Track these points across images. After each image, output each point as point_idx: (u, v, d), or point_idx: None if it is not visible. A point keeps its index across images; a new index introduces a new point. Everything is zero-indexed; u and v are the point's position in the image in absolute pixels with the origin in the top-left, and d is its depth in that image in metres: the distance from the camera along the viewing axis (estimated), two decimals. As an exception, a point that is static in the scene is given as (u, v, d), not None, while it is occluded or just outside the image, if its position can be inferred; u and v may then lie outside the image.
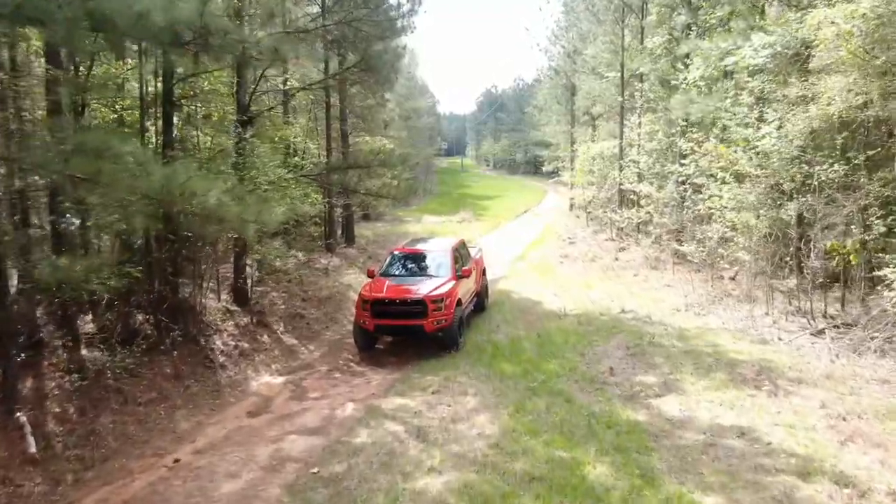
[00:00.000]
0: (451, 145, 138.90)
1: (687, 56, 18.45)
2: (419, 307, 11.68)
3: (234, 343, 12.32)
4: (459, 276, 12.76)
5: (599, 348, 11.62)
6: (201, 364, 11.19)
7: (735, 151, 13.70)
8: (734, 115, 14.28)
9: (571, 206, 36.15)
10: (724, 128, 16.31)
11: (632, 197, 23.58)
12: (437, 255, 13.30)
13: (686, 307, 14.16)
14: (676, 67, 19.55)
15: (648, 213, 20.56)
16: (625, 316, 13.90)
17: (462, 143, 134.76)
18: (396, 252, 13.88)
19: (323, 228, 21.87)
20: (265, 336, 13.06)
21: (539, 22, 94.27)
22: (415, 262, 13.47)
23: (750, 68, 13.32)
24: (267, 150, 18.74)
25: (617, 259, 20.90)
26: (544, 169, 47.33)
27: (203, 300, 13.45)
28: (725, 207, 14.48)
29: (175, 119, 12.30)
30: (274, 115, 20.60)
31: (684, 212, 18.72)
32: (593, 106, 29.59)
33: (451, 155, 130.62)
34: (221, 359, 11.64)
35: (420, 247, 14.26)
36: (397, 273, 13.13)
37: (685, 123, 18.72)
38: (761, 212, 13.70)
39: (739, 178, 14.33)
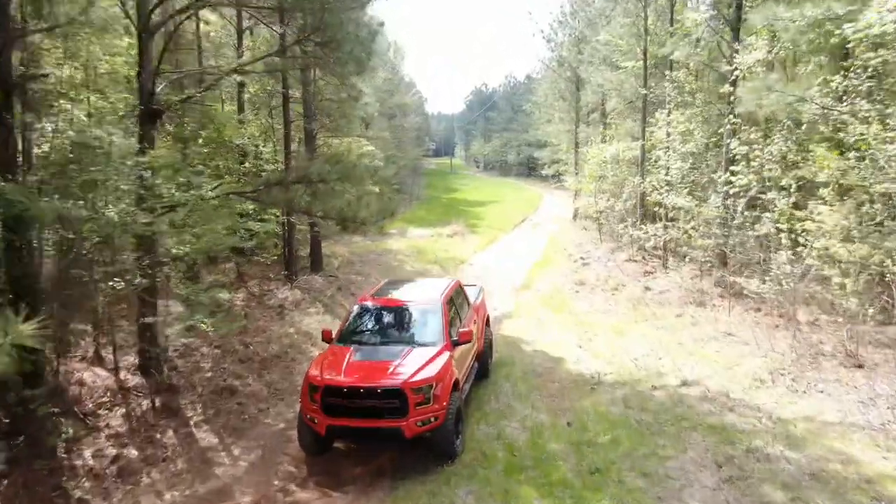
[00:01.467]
0: (439, 146, 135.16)
1: (736, 36, 14.54)
2: (395, 400, 7.58)
3: (115, 451, 8.14)
4: (455, 342, 8.67)
5: (672, 465, 7.56)
6: (47, 501, 7.04)
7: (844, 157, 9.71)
8: (833, 107, 10.29)
9: (576, 215, 32.17)
10: (799, 124, 12.41)
11: (658, 210, 19.62)
12: (424, 311, 9.17)
13: (772, 376, 10.13)
14: (724, 51, 15.61)
15: (685, 231, 16.57)
16: (689, 392, 9.85)
17: (451, 143, 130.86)
18: (365, 304, 9.66)
19: (282, 251, 17.68)
20: (170, 432, 8.88)
21: (542, 4, 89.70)
22: (391, 322, 9.31)
23: (866, 39, 9.34)
24: (200, 155, 14.63)
25: (648, 289, 16.87)
26: (544, 172, 43.53)
27: (80, 374, 9.31)
28: (820, 232, 10.53)
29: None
30: (216, 111, 16.43)
31: (735, 233, 14.74)
32: (605, 101, 25.65)
33: (440, 156, 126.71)
34: (87, 484, 7.48)
35: (399, 295, 10.07)
36: (365, 339, 8.96)
37: (737, 120, 14.77)
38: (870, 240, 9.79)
39: (842, 192, 10.40)
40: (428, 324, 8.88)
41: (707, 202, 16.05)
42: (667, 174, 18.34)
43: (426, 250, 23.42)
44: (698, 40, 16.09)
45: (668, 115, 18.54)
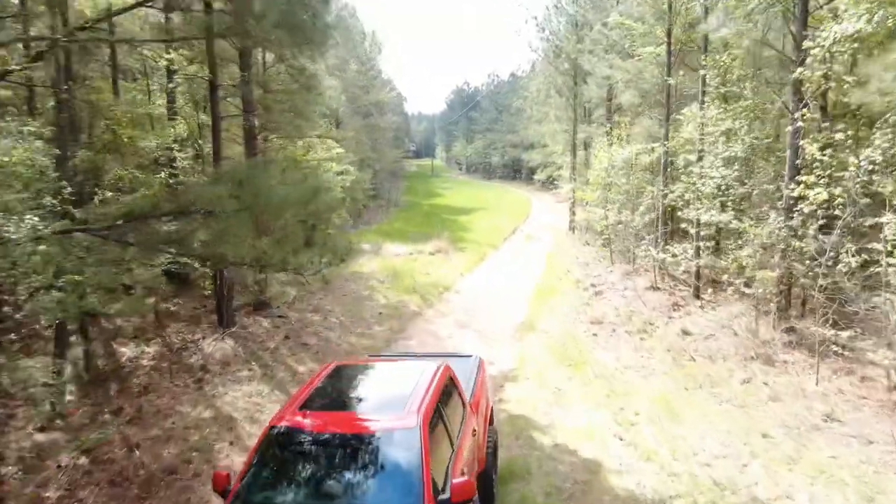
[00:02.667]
0: (419, 147, 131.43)
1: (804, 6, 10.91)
2: None
3: None
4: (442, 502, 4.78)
5: None
6: None
7: None
8: None
9: (573, 226, 28.48)
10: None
11: (686, 227, 15.96)
12: (388, 442, 5.19)
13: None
14: (790, 26, 11.95)
15: (735, 259, 12.88)
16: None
17: (432, 144, 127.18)
18: (282, 431, 5.34)
19: (214, 285, 13.62)
20: None
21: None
22: (327, 468, 5.21)
23: None
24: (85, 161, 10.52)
25: (686, 333, 13.14)
26: (536, 177, 39.96)
27: None
28: None
29: None
30: (103, 101, 12.33)
31: (823, 264, 11.11)
32: (613, 96, 22.00)
33: (420, 157, 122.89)
34: None
35: (348, 405, 6.04)
36: (285, 497, 4.98)
37: (814, 115, 11.14)
38: None
39: None
40: (394, 472, 4.97)
41: (763, 221, 12.38)
42: (701, 183, 14.67)
43: (404, 273, 19.47)
44: (751, 13, 12.40)
45: (703, 111, 14.87)
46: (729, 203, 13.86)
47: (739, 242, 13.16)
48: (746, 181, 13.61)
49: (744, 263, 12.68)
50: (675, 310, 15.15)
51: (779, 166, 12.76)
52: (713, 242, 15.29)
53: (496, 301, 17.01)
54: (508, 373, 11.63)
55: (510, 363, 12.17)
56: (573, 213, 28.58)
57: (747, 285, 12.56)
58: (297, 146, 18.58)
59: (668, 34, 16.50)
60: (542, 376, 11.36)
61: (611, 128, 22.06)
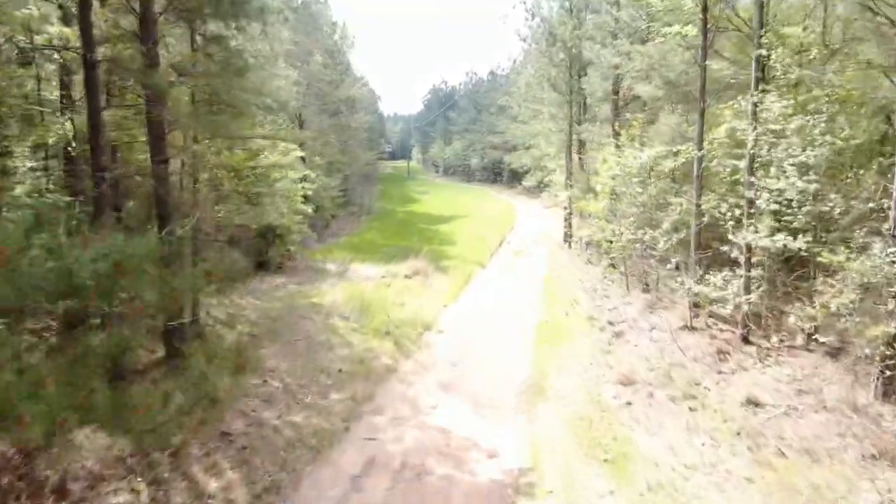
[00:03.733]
0: (396, 148, 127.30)
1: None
2: None
3: None
4: None
5: None
6: None
7: None
8: None
9: (569, 239, 25.05)
10: None
11: (732, 251, 12.54)
12: None
13: None
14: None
15: (823, 305, 9.45)
16: None
17: (408, 146, 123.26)
18: None
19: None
20: None
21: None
22: None
23: None
24: None
25: (755, 405, 9.66)
26: (524, 183, 36.36)
27: None
28: None
29: None
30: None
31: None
32: (622, 90, 18.60)
33: (396, 159, 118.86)
34: None
35: None
36: None
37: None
38: None
39: None
40: None
41: (868, 252, 9.00)
42: (759, 196, 11.27)
43: (374, 305, 15.74)
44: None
45: (759, 102, 11.46)
46: (797, 224, 10.47)
47: (821, 278, 9.77)
48: (828, 195, 10.20)
49: (833, 308, 9.30)
50: (722, 360, 11.71)
51: (882, 177, 9.38)
52: (771, 273, 11.89)
53: (490, 346, 13.40)
54: (519, 478, 8.01)
55: (519, 456, 8.56)
56: (569, 225, 25.15)
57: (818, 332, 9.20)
58: (240, 148, 14.79)
59: (704, 9, 13.10)
60: (571, 486, 7.76)
61: (619, 127, 18.62)
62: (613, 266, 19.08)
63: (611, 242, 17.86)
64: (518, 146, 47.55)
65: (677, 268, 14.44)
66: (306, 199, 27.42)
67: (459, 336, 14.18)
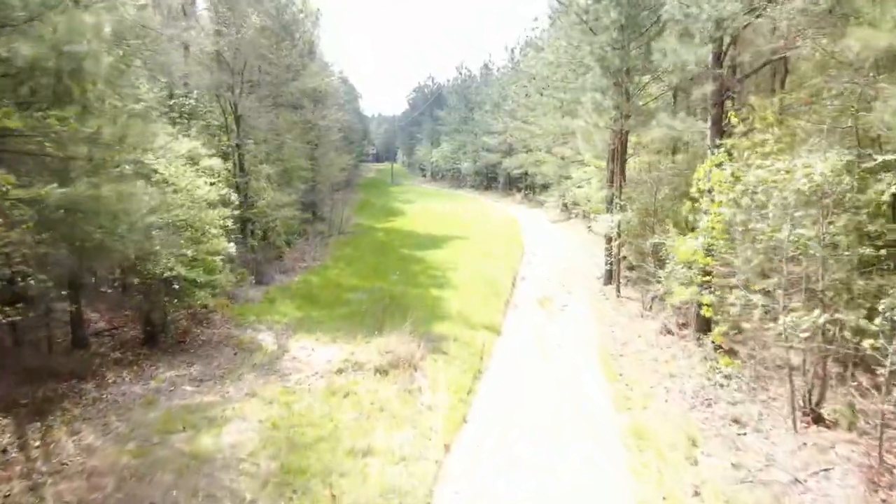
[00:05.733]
0: (380, 150, 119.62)
1: None
2: None
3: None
4: None
5: None
6: None
7: None
8: None
9: (615, 281, 17.55)
10: None
11: None
12: None
13: None
14: None
15: None
16: None
17: (393, 148, 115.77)
18: None
19: None
20: None
21: None
22: None
23: None
24: None
25: None
26: (542, 198, 28.91)
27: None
28: None
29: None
30: None
31: None
32: (736, 58, 11.18)
33: (381, 161, 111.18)
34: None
35: None
36: None
37: None
38: None
39: None
40: None
41: None
42: None
43: (311, 458, 8.10)
44: None
45: None
46: None
47: None
48: None
49: None
50: None
51: None
52: None
53: None
54: None
55: None
56: (616, 261, 17.63)
57: None
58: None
59: None
60: None
61: (734, 118, 11.13)
62: (726, 351, 11.64)
63: (713, 307, 10.49)
64: (526, 147, 40.17)
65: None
66: (243, 226, 19.73)
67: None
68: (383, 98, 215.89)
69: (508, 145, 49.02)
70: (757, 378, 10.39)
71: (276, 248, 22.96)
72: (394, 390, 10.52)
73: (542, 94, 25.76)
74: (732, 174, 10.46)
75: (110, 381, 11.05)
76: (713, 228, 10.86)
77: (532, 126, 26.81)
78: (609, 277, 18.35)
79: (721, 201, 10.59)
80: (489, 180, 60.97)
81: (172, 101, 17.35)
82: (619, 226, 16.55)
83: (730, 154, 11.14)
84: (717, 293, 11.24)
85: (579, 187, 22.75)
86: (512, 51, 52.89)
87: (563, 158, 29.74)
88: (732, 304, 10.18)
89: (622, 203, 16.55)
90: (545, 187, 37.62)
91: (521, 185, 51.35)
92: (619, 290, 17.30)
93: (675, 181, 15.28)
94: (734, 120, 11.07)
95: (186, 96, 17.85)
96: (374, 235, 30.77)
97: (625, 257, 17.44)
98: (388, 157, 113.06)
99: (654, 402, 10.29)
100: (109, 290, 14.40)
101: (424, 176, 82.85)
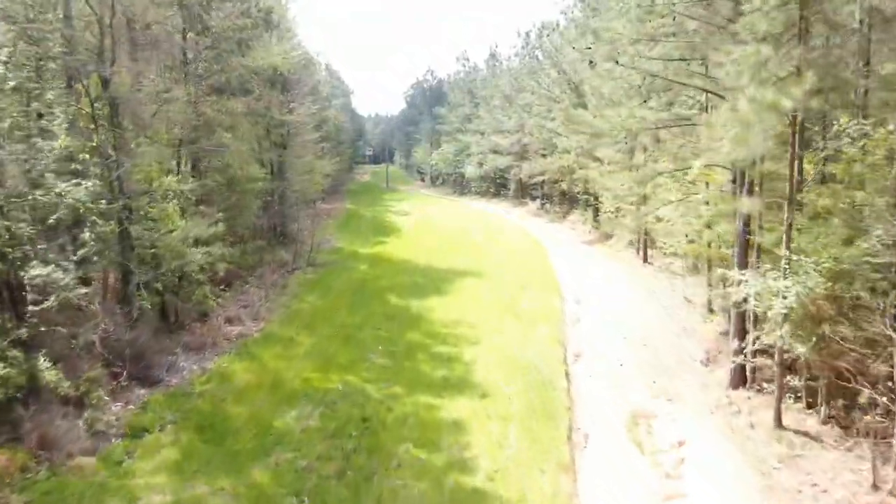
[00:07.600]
0: (376, 151, 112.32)
1: None
2: None
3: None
4: None
5: None
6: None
7: None
8: None
9: (743, 378, 9.50)
10: None
11: None
12: None
13: None
14: None
15: None
16: None
17: (390, 148, 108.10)
18: None
19: None
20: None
21: None
22: None
23: None
24: None
25: None
26: (594, 224, 20.86)
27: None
28: None
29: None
30: None
31: None
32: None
33: (379, 162, 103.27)
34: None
35: None
36: None
37: None
38: None
39: None
40: None
41: None
42: None
43: None
44: None
45: None
46: None
47: None
48: None
49: None
50: None
51: None
52: None
53: None
54: None
55: None
56: (747, 340, 9.75)
57: None
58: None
59: None
60: None
61: None
62: None
63: None
64: (531, 152, 32.43)
65: None
66: (125, 279, 11.69)
67: None
68: (383, 98, 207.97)
69: (523, 146, 41.18)
70: None
71: (196, 303, 15.00)
72: None
73: (592, 64, 17.18)
74: None
75: None
76: None
77: (579, 123, 18.95)
78: (741, 378, 10.43)
79: None
80: (498, 186, 52.95)
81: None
82: (787, 303, 8.58)
83: None
84: None
85: (659, 220, 14.53)
86: (527, 34, 44.85)
87: (607, 164, 21.88)
88: None
89: (794, 259, 8.63)
90: (587, 203, 29.79)
91: (537, 193, 43.43)
92: (779, 417, 9.34)
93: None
94: None
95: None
96: (354, 270, 22.74)
97: (786, 352, 9.46)
98: (385, 158, 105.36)
99: None
100: None
101: (423, 180, 74.84)
